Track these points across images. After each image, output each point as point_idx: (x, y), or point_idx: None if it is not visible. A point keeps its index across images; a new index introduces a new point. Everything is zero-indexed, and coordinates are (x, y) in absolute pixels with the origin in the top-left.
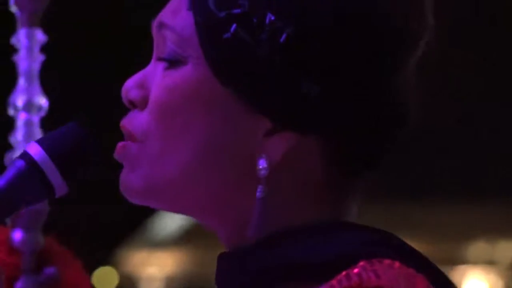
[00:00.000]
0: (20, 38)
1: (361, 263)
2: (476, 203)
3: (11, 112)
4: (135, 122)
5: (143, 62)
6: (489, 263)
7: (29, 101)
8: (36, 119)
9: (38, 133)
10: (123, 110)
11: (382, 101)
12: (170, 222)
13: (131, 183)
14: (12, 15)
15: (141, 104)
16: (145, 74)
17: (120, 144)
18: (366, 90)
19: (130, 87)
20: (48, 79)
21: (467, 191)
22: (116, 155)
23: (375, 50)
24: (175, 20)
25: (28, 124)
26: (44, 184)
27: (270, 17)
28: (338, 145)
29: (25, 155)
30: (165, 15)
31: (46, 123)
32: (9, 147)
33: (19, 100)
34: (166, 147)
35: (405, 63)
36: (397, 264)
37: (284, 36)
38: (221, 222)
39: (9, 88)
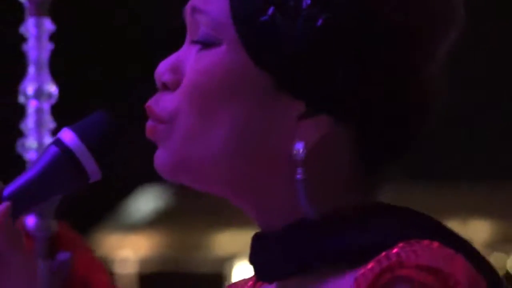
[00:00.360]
0: (28, 28)
1: (400, 244)
2: (449, 184)
3: (21, 100)
4: (163, 103)
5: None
6: None
7: (39, 89)
8: (46, 106)
9: (49, 120)
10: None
11: (411, 89)
12: (144, 205)
13: (162, 160)
14: (20, 4)
15: (174, 86)
16: (178, 57)
17: (149, 124)
18: (396, 78)
19: (164, 70)
20: (58, 67)
21: (440, 171)
22: (147, 135)
23: (405, 40)
24: (208, 4)
25: (38, 111)
26: (78, 171)
27: (306, 1)
28: (369, 132)
29: (58, 142)
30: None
31: (56, 110)
32: (20, 134)
33: (29, 88)
34: (199, 127)
35: (433, 55)
36: (435, 244)
37: (320, 20)
38: (252, 203)
39: (19, 76)
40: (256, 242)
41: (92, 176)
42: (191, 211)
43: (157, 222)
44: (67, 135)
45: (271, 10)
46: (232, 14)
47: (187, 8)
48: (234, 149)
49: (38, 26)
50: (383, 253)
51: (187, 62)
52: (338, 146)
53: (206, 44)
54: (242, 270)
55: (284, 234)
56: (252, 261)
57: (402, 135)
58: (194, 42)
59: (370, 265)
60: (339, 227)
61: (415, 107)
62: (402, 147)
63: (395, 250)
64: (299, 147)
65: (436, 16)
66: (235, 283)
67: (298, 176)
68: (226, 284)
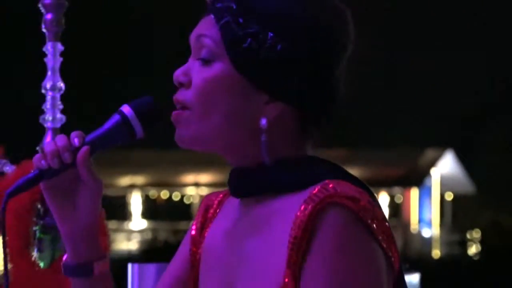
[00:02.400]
0: (48, 48)
1: (328, 181)
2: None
3: (43, 91)
4: (183, 96)
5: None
6: None
7: (53, 85)
8: (57, 95)
9: (59, 104)
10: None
11: (329, 85)
12: None
13: (184, 135)
14: (43, 33)
15: (187, 85)
16: (188, 66)
17: (174, 112)
18: (321, 79)
19: (179, 74)
20: (65, 72)
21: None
22: (172, 119)
23: (324, 52)
24: (211, 32)
25: (53, 98)
26: (130, 130)
27: (270, 35)
28: (305, 112)
29: (120, 112)
30: (202, 28)
31: (64, 98)
32: (42, 112)
33: (48, 84)
34: (205, 114)
35: (340, 60)
36: (349, 183)
37: (279, 46)
38: (235, 154)
39: (42, 77)
40: (233, 173)
41: (138, 135)
42: None
43: None
44: (126, 108)
45: (248, 41)
46: (224, 43)
47: (193, 35)
48: (226, 127)
49: (54, 47)
50: (320, 185)
51: (193, 71)
52: (287, 120)
53: (206, 61)
54: None
55: (252, 169)
56: (229, 183)
57: (324, 114)
58: (198, 59)
59: (315, 191)
60: (286, 168)
61: (331, 96)
62: (324, 121)
63: (331, 185)
64: (264, 122)
65: (342, 42)
66: (209, 194)
67: (262, 139)
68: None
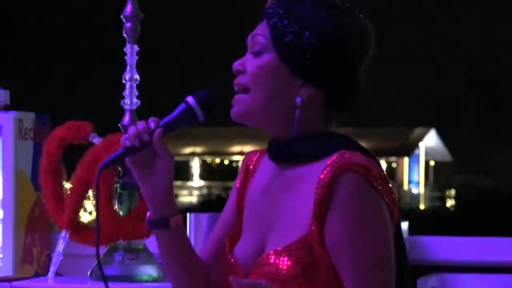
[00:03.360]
0: (127, 49)
1: (345, 151)
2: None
3: (123, 81)
4: (241, 80)
5: None
6: None
7: (131, 76)
8: (134, 84)
9: (135, 91)
10: None
11: (353, 77)
12: None
13: (239, 112)
14: (124, 38)
15: (243, 72)
16: (243, 59)
17: (236, 96)
18: (347, 70)
19: (237, 64)
20: (140, 68)
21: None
22: (233, 102)
23: (347, 51)
24: (263, 31)
25: (131, 87)
26: (194, 115)
27: (307, 33)
28: (331, 96)
29: (185, 102)
30: (257, 30)
31: (138, 87)
32: (122, 98)
33: (127, 76)
34: (257, 94)
35: (363, 61)
36: (361, 153)
37: (313, 41)
38: (275, 127)
39: (122, 70)
40: (271, 143)
41: (200, 119)
42: None
43: None
44: (190, 98)
45: (290, 37)
46: (272, 38)
47: (250, 36)
48: (269, 103)
49: (131, 48)
50: (338, 154)
51: (247, 62)
52: (316, 101)
53: (258, 53)
54: None
55: (286, 141)
56: (268, 149)
57: (348, 100)
58: (252, 53)
59: (334, 158)
60: (311, 140)
61: (355, 86)
62: (347, 106)
63: (347, 155)
64: (298, 100)
65: (366, 43)
66: (249, 153)
67: (296, 114)
68: None
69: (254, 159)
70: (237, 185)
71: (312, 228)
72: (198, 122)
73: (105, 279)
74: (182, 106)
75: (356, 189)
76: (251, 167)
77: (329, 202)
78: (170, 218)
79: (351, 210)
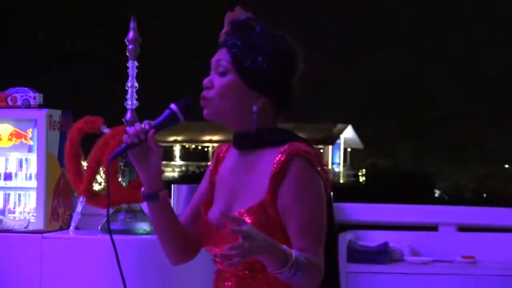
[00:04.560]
0: (129, 64)
1: (294, 141)
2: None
3: (126, 88)
4: (208, 94)
5: None
6: None
7: (132, 84)
8: (134, 90)
9: (135, 95)
10: None
11: (291, 86)
12: None
13: (209, 113)
14: (126, 55)
15: (211, 86)
16: (211, 77)
17: (202, 101)
18: (286, 84)
19: (207, 81)
20: (139, 80)
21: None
22: (201, 104)
23: (288, 70)
24: (225, 57)
25: (131, 92)
26: (176, 118)
27: (260, 58)
28: (277, 102)
29: (169, 108)
30: (220, 55)
31: (137, 92)
32: (125, 100)
33: (129, 84)
34: (221, 102)
35: (296, 73)
36: (304, 143)
37: (265, 64)
38: (237, 125)
39: (125, 79)
40: (236, 135)
41: (181, 121)
42: None
43: None
44: (173, 105)
45: (248, 62)
46: (233, 63)
47: (214, 59)
48: (233, 110)
49: (133, 63)
50: (289, 143)
51: (214, 79)
52: (268, 107)
53: (223, 73)
54: None
55: (247, 133)
56: (233, 141)
57: (288, 103)
58: (217, 73)
59: (286, 147)
60: (268, 133)
61: (292, 94)
62: (287, 107)
63: (295, 144)
64: (255, 108)
65: (297, 62)
66: (220, 145)
67: (254, 117)
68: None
69: (224, 149)
70: (210, 167)
71: (267, 196)
72: (180, 122)
73: (110, 232)
74: (167, 111)
75: (303, 169)
76: (221, 155)
77: (283, 177)
78: (159, 192)
79: (298, 183)
